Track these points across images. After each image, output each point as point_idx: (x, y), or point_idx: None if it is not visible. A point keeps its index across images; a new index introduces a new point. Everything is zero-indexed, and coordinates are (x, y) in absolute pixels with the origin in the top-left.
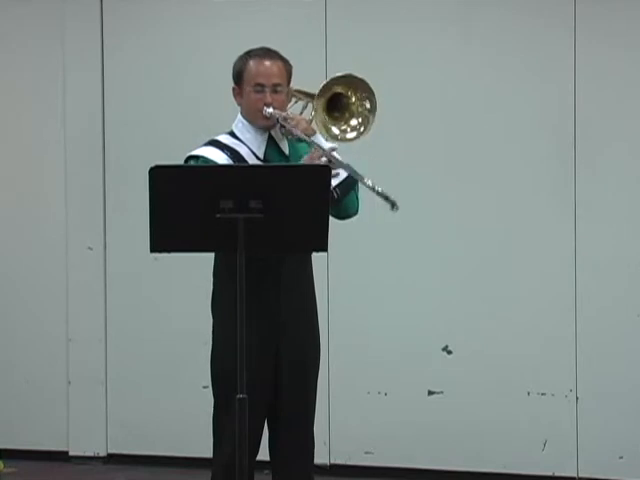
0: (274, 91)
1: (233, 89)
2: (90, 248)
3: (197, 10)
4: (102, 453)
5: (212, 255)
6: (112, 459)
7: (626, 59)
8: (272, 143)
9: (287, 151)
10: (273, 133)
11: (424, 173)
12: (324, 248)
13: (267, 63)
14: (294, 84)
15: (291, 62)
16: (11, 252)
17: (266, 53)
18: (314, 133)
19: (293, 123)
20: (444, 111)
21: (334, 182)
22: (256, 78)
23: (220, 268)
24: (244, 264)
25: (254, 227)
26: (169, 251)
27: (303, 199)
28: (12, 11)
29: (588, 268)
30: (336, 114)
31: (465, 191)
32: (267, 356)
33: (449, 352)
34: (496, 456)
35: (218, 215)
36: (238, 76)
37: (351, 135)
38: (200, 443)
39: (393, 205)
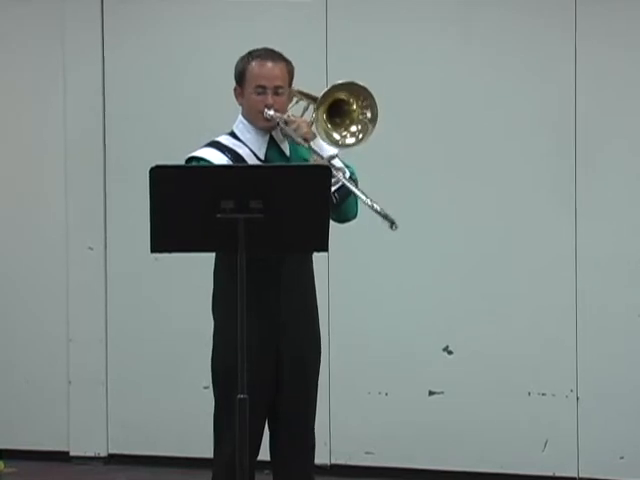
0: (275, 93)
1: (234, 89)
2: (90, 248)
3: (197, 10)
4: (103, 453)
5: (212, 255)
6: (113, 459)
7: (626, 58)
8: (273, 144)
9: (288, 152)
10: (274, 133)
11: (424, 172)
12: (325, 248)
13: (269, 65)
14: (295, 84)
15: (293, 64)
16: (11, 252)
17: (268, 54)
18: (314, 137)
19: (294, 127)
20: (444, 110)
21: (333, 187)
22: (258, 80)
23: (220, 268)
24: (244, 264)
25: (254, 227)
26: (169, 251)
27: (304, 199)
28: (12, 11)
29: (589, 267)
30: (337, 120)
31: (465, 190)
32: (268, 356)
33: (450, 352)
34: (497, 456)
35: (218, 215)
36: (240, 76)
37: (350, 140)
38: (201, 443)
39: (392, 224)
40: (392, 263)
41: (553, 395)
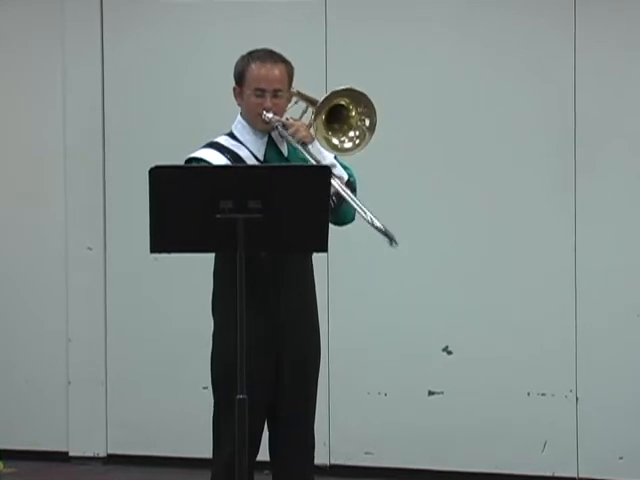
0: (274, 96)
1: (234, 89)
2: (90, 248)
3: (197, 10)
4: (102, 453)
5: (212, 255)
6: (112, 459)
7: (625, 58)
8: (272, 144)
9: (286, 153)
10: (273, 135)
11: (424, 173)
12: (324, 248)
13: (269, 67)
14: (295, 84)
15: (292, 65)
16: (11, 252)
17: (268, 56)
18: (312, 140)
19: (292, 130)
20: (444, 110)
21: (337, 186)
22: (257, 83)
23: (220, 269)
24: (244, 264)
25: (254, 227)
26: (169, 251)
27: (303, 199)
28: (12, 11)
29: (588, 268)
30: (335, 126)
31: (465, 190)
32: (267, 356)
33: (449, 352)
34: (496, 456)
35: (218, 215)
36: (239, 77)
37: (348, 145)
38: (200, 444)
39: (392, 241)
40: (392, 263)
41: (552, 395)
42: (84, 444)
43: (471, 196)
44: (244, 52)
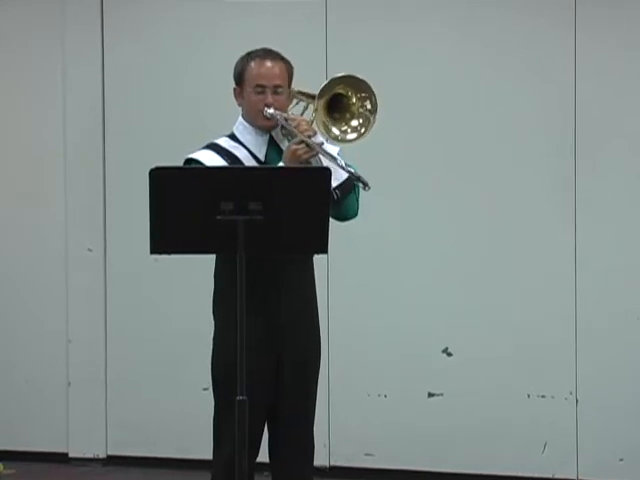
0: (275, 92)
1: (234, 89)
2: (90, 249)
3: (197, 10)
4: (102, 455)
5: (212, 256)
6: (112, 461)
7: (626, 58)
8: (273, 144)
9: None
10: (274, 134)
11: (423, 173)
12: (324, 250)
13: (268, 64)
14: (294, 84)
15: (291, 62)
16: (11, 252)
17: (267, 54)
18: (315, 134)
19: (294, 124)
20: (444, 110)
21: (334, 183)
22: (257, 79)
23: (220, 270)
24: (244, 266)
25: (254, 229)
26: (169, 253)
27: (303, 201)
28: (12, 11)
29: (588, 269)
30: (336, 115)
31: (465, 190)
32: (268, 358)
33: (449, 354)
34: (496, 458)
35: (218, 217)
36: (239, 77)
37: (352, 136)
38: (200, 445)
39: (365, 185)
40: (392, 264)
41: (552, 397)
42: (84, 445)
43: (471, 196)
44: (244, 52)
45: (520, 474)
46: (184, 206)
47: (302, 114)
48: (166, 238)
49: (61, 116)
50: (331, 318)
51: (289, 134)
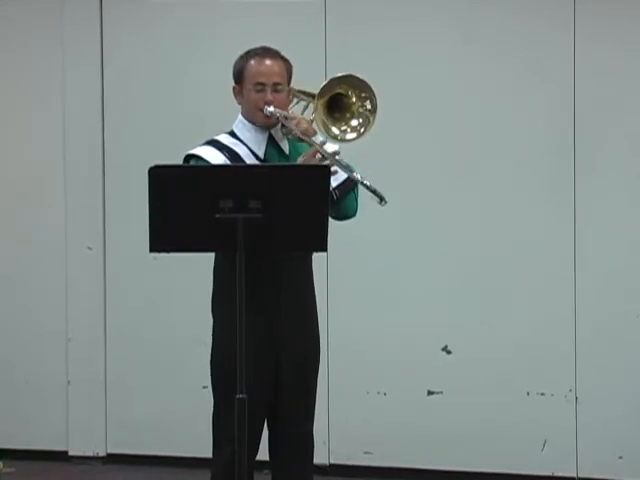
0: (275, 90)
1: (233, 88)
2: (89, 248)
3: (197, 10)
4: (102, 453)
5: (212, 255)
6: (111, 459)
7: (625, 58)
8: (272, 142)
9: (287, 150)
10: (273, 132)
11: (423, 174)
12: (324, 248)
13: (268, 62)
14: (294, 84)
15: (291, 62)
16: (10, 251)
17: (266, 52)
18: (315, 133)
19: (294, 122)
20: (443, 111)
21: (333, 183)
22: (257, 77)
23: (220, 268)
24: (244, 264)
25: (254, 227)
26: (168, 251)
27: (302, 199)
28: (12, 11)
29: (588, 268)
30: (336, 115)
31: (464, 191)
32: (267, 356)
33: (448, 352)
34: (495, 456)
35: (217, 215)
36: (239, 75)
37: (351, 135)
38: (199, 443)
39: (381, 199)
40: (391, 263)
41: (552, 395)
42: (84, 443)
43: (470, 197)
44: (243, 52)
45: (519, 472)
46: (183, 204)
47: (302, 113)
48: (165, 236)
49: (61, 116)
50: (330, 316)
51: (289, 133)
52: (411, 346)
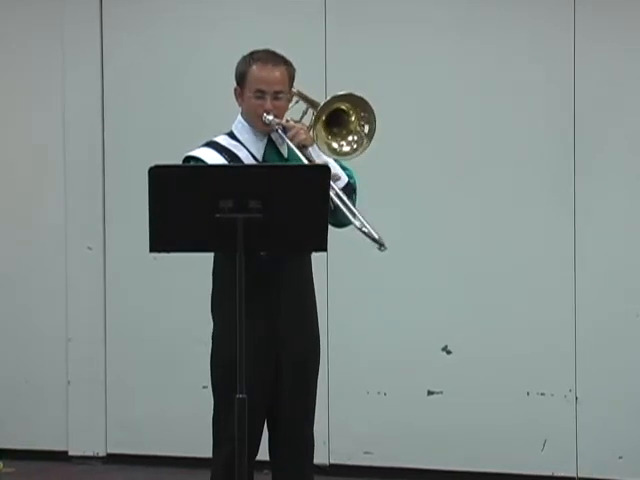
0: (275, 98)
1: (235, 89)
2: (90, 248)
3: (197, 10)
4: (101, 453)
5: (211, 255)
6: (111, 459)
7: (625, 58)
8: (271, 145)
9: (286, 153)
10: (273, 136)
11: (423, 173)
12: (323, 248)
13: (269, 69)
14: (294, 84)
15: (294, 66)
16: (10, 251)
17: (269, 57)
18: (312, 143)
19: (292, 133)
20: (443, 111)
21: (331, 193)
22: (258, 84)
23: (219, 268)
24: (244, 264)
25: (253, 227)
26: (168, 251)
27: (302, 199)
28: (12, 11)
29: (587, 267)
30: (335, 130)
31: (464, 191)
32: (267, 356)
33: (448, 352)
34: (495, 456)
35: (217, 215)
36: (240, 78)
37: (346, 149)
38: (199, 443)
39: (381, 246)
40: (391, 263)
41: (552, 395)
42: (84, 443)
43: (470, 196)
44: (244, 52)
45: (519, 472)
46: (183, 204)
47: (301, 118)
48: (165, 236)
49: (61, 116)
50: (330, 316)
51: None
52: (411, 346)
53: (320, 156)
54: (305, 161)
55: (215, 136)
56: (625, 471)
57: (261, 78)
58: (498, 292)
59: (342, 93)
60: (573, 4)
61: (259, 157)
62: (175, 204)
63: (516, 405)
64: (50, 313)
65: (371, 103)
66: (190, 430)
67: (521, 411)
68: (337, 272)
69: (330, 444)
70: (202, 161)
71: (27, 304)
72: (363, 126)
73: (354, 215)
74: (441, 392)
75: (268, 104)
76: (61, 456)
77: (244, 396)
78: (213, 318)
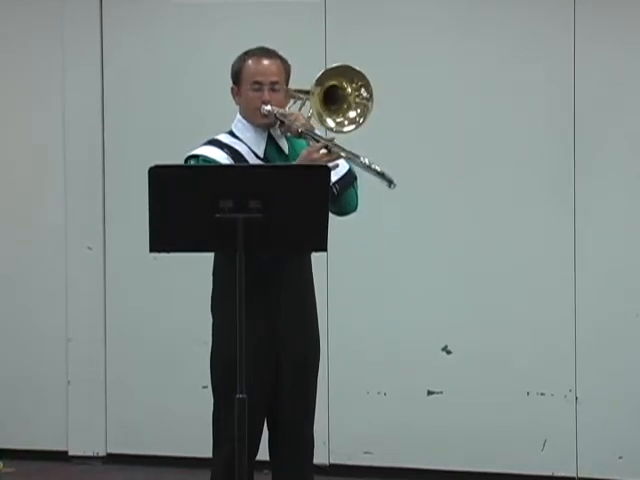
0: (272, 89)
1: (232, 89)
2: (89, 248)
3: (196, 10)
4: (101, 453)
5: (212, 255)
6: (111, 459)
7: (625, 58)
8: (271, 142)
9: (287, 150)
10: (272, 132)
11: (423, 173)
12: (323, 248)
13: (265, 61)
14: (293, 85)
15: (291, 63)
16: (10, 251)
17: (264, 52)
18: (313, 129)
19: (291, 118)
20: (443, 110)
21: (333, 178)
22: (254, 76)
23: (219, 268)
24: (244, 264)
25: (253, 227)
26: (168, 251)
27: (302, 199)
28: (12, 11)
29: (587, 267)
30: (333, 107)
31: (464, 190)
32: (267, 357)
33: (448, 352)
34: (495, 456)
35: (217, 215)
36: (236, 75)
37: (349, 128)
38: (199, 443)
39: (390, 182)
40: (391, 263)
41: (552, 395)
42: (84, 443)
43: (470, 195)
44: (241, 53)
45: (519, 472)
46: (183, 204)
47: (299, 109)
48: (165, 236)
49: (61, 116)
50: (330, 316)
51: (288, 130)
52: (411, 346)
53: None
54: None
55: (215, 135)
56: (625, 471)
57: (257, 70)
58: (498, 292)
59: (334, 66)
60: (573, 4)
61: (260, 154)
62: (175, 204)
63: (516, 405)
64: (50, 313)
65: (356, 67)
66: (190, 430)
67: (521, 411)
68: (337, 272)
69: (330, 444)
70: (205, 158)
71: (27, 304)
72: (361, 94)
73: (358, 156)
74: (441, 392)
75: (266, 95)
76: (61, 456)
77: (244, 396)
78: (213, 318)
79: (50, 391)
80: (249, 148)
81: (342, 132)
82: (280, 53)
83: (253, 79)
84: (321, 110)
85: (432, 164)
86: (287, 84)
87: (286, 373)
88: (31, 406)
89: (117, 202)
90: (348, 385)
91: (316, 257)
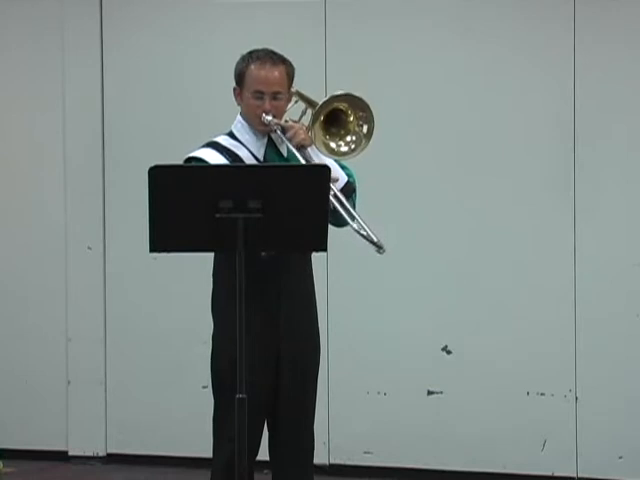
0: (274, 98)
1: (234, 89)
2: (90, 248)
3: (196, 10)
4: (101, 453)
5: (212, 255)
6: (111, 459)
7: (625, 57)
8: (271, 145)
9: (286, 153)
10: (273, 136)
11: (422, 173)
12: (324, 248)
13: (268, 69)
14: (294, 83)
15: (293, 65)
16: (10, 251)
17: (268, 57)
18: (311, 143)
19: (291, 133)
20: (443, 110)
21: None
22: (256, 85)
23: (219, 268)
24: (244, 264)
25: (253, 227)
26: (168, 251)
27: (302, 199)
28: (12, 11)
29: (588, 267)
30: (333, 130)
31: (464, 190)
32: (267, 357)
33: (448, 352)
34: (495, 456)
35: (217, 215)
36: (239, 78)
37: (344, 149)
38: (199, 443)
39: (379, 248)
40: (391, 263)
41: (552, 395)
42: (84, 443)
43: (470, 195)
44: (244, 52)
45: (520, 472)
46: (183, 204)
47: (300, 118)
48: (165, 236)
49: (61, 115)
50: (330, 316)
51: (288, 140)
52: (411, 346)
53: (319, 156)
54: (304, 162)
55: (215, 136)
56: (625, 471)
57: (259, 79)
58: (498, 292)
59: (340, 93)
60: (573, 4)
61: (260, 157)
62: (175, 204)
63: (516, 405)
64: (50, 313)
65: (369, 103)
66: (190, 430)
67: (521, 411)
68: (337, 272)
69: (330, 444)
70: (204, 161)
71: (27, 304)
72: (362, 126)
73: (352, 218)
74: (441, 392)
75: (267, 105)
76: (61, 456)
77: (244, 396)
78: (213, 318)
79: (50, 391)
80: (249, 151)
81: (340, 153)
82: (285, 56)
83: (255, 88)
84: (323, 134)
85: (431, 162)
86: (290, 87)
87: (286, 373)
88: (31, 406)
89: (117, 202)
90: (348, 385)
91: (316, 257)
